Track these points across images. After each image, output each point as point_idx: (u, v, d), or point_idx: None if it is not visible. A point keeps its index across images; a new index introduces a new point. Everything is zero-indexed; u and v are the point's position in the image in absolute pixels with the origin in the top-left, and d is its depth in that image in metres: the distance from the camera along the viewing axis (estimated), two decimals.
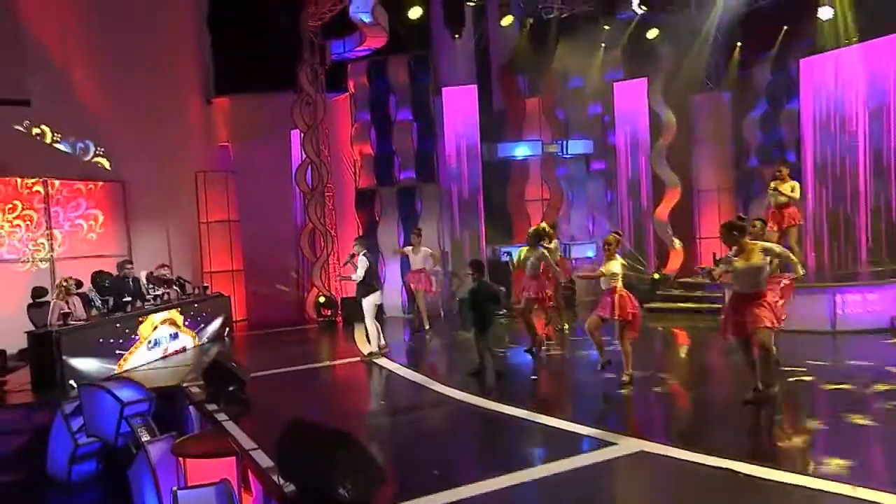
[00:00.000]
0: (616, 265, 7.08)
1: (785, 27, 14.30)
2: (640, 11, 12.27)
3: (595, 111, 15.17)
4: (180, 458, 5.54)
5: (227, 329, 12.49)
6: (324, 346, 12.16)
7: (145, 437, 6.44)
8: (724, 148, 15.26)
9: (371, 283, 9.85)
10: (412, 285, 11.77)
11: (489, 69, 14.81)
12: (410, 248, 11.63)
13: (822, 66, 13.42)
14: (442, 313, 13.08)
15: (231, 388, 6.89)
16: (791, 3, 13.86)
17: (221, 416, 6.55)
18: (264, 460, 5.08)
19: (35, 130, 13.12)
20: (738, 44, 14.97)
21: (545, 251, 9.18)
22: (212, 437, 6.12)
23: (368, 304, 9.78)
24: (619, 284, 7.03)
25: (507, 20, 13.10)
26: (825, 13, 13.28)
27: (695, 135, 14.94)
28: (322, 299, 13.29)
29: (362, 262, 9.73)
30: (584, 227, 15.24)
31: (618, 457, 5.15)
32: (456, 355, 10.37)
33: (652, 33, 14.28)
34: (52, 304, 9.24)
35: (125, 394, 6.86)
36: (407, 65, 13.72)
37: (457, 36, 12.47)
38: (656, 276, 13.26)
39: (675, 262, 14.04)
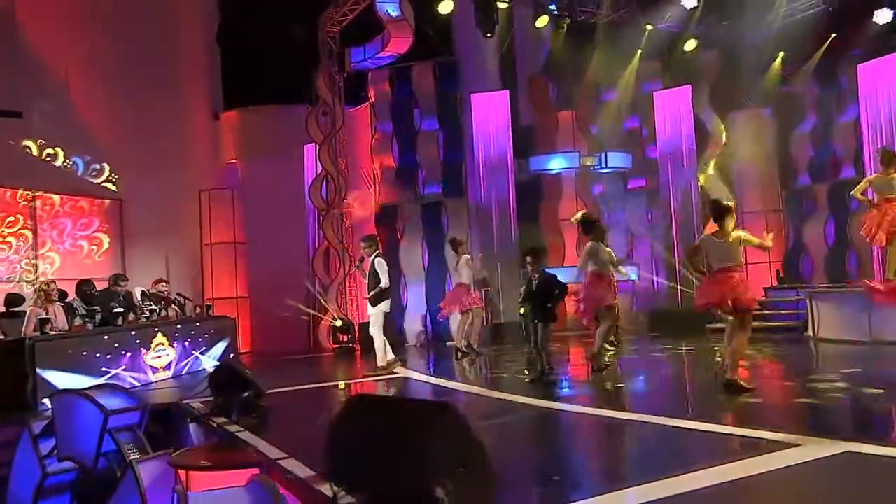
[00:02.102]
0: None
1: (833, 35, 13.47)
2: (688, 6, 11.29)
3: (632, 125, 14.08)
4: (181, 474, 4.06)
5: (231, 354, 10.97)
6: (345, 367, 10.67)
7: (134, 456, 4.96)
8: (770, 167, 14.22)
9: (387, 288, 8.59)
10: (453, 307, 10.05)
11: (515, 78, 13.79)
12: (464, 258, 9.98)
13: (884, 71, 12.49)
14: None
15: (245, 395, 5.42)
16: (839, 10, 13.05)
17: (235, 429, 5.09)
18: (301, 470, 3.63)
19: (48, 151, 12.14)
20: (780, 55, 14.09)
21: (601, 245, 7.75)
22: (221, 447, 4.65)
23: (378, 313, 8.48)
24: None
25: (542, 21, 12.12)
26: (883, 16, 12.46)
27: (736, 153, 13.91)
28: (338, 323, 11.82)
29: (382, 266, 8.44)
30: (622, 250, 13.91)
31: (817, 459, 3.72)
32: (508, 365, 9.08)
33: (690, 44, 13.44)
34: (28, 310, 7.84)
35: (110, 402, 5.37)
36: (432, 71, 12.70)
37: (489, 35, 11.43)
38: None
39: None
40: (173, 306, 10.20)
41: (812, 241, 13.91)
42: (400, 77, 12.85)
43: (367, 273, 8.55)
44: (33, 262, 11.60)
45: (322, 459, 3.20)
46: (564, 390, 7.30)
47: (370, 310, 8.58)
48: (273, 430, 4.92)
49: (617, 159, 13.37)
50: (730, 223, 5.85)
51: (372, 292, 8.46)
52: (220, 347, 10.51)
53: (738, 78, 13.93)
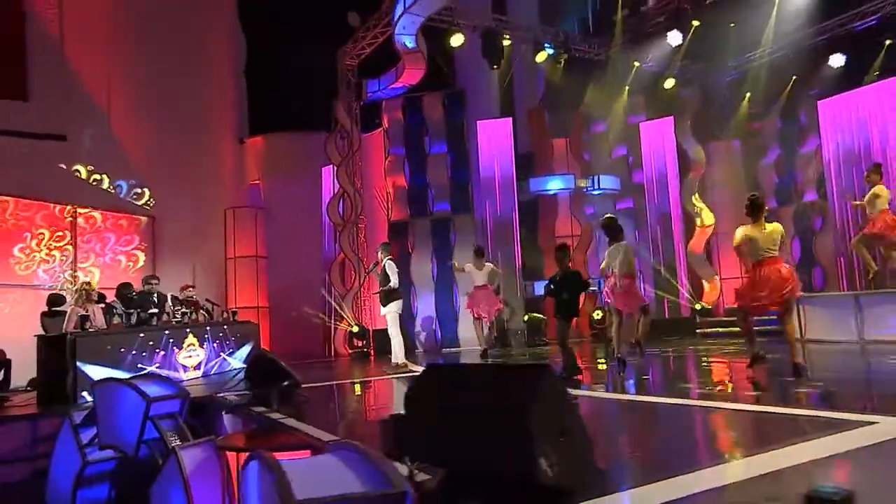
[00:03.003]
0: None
1: (794, 76, 13.47)
2: (673, 44, 11.14)
3: (620, 153, 13.86)
4: (228, 457, 3.56)
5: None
6: (363, 368, 10.10)
7: (176, 443, 4.44)
8: (740, 192, 14.04)
9: (396, 288, 8.31)
10: (475, 308, 9.54)
11: (514, 107, 13.56)
12: (471, 265, 9.70)
13: (842, 107, 12.47)
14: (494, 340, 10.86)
15: (286, 384, 4.94)
16: (798, 55, 13.07)
17: (277, 416, 4.59)
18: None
19: (94, 177, 11.74)
20: (748, 94, 14.06)
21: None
22: (265, 433, 4.15)
23: (392, 311, 8.17)
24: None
25: (541, 56, 11.91)
26: (836, 60, 12.55)
27: (711, 179, 13.74)
28: (355, 328, 11.30)
29: (392, 268, 8.20)
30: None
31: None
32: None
33: (669, 83, 13.33)
34: (69, 309, 7.30)
35: (152, 389, 4.84)
36: (441, 101, 12.42)
37: (495, 66, 11.18)
38: (698, 306, 11.55)
39: (711, 294, 12.36)
40: (202, 311, 9.66)
41: None
42: (411, 105, 12.55)
43: (380, 275, 8.38)
44: (74, 273, 11.10)
45: (391, 437, 2.74)
46: (627, 381, 6.41)
47: (383, 310, 8.30)
48: (317, 418, 4.43)
49: (608, 182, 13.12)
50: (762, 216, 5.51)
51: (381, 289, 8.19)
52: (245, 350, 9.95)
53: (711, 114, 13.88)
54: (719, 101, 14.11)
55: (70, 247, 11.16)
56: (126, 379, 4.95)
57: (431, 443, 2.32)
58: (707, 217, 12.70)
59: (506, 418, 2.07)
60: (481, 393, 2.19)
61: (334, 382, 7.77)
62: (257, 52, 14.01)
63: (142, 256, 12.21)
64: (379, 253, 8.63)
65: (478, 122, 12.33)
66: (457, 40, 10.70)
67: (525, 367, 2.49)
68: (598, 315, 12.50)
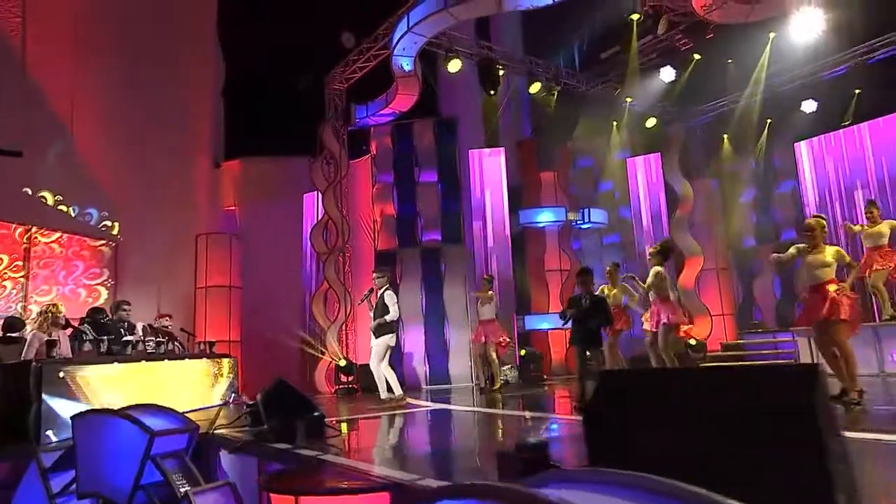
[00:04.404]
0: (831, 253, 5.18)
1: (769, 119, 13.80)
2: (666, 80, 11.16)
3: (606, 188, 13.74)
4: (281, 501, 2.80)
5: (233, 394, 9.37)
6: (349, 405, 9.21)
7: (186, 488, 3.62)
8: (719, 231, 14.11)
9: (395, 320, 7.66)
10: (482, 339, 8.93)
11: (498, 139, 13.29)
12: (477, 296, 9.07)
13: (818, 148, 12.82)
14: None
15: (315, 415, 4.16)
16: (773, 100, 13.41)
17: (311, 453, 3.80)
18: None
19: (61, 208, 10.67)
20: (725, 135, 14.31)
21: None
22: (317, 471, 3.37)
23: (382, 344, 7.46)
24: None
25: (534, 87, 11.74)
26: (809, 106, 12.91)
27: (692, 217, 13.76)
28: (342, 363, 10.41)
29: (391, 298, 7.53)
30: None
31: None
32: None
33: (651, 122, 13.41)
34: (30, 335, 6.27)
35: (154, 422, 3.98)
36: (432, 128, 12.01)
37: (492, 93, 10.88)
38: (692, 342, 11.24)
39: (702, 329, 12.11)
40: (176, 342, 8.67)
41: (761, 295, 13.74)
42: (401, 132, 12.08)
43: (375, 305, 7.63)
44: (27, 305, 9.90)
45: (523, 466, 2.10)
46: None
47: (373, 341, 7.51)
48: (366, 453, 3.68)
49: (597, 215, 12.90)
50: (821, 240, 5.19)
51: (376, 321, 7.45)
52: (224, 384, 8.95)
53: (691, 153, 14.01)
54: (699, 141, 14.30)
55: (23, 279, 9.99)
56: (119, 409, 4.08)
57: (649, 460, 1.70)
58: (696, 251, 12.61)
59: (787, 442, 1.49)
60: (736, 404, 1.61)
61: (346, 417, 6.90)
62: (237, 73, 13.36)
63: (104, 292, 11.09)
64: (376, 280, 7.91)
65: (469, 151, 11.96)
66: (454, 66, 10.38)
67: (792, 367, 1.95)
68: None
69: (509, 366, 10.28)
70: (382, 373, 7.56)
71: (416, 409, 7.17)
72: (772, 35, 10.17)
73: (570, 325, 6.38)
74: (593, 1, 9.19)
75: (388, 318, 7.51)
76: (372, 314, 7.72)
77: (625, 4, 9.47)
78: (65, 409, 5.49)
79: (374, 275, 8.03)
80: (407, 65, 10.20)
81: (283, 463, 3.90)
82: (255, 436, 4.61)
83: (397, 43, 9.82)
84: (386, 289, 7.74)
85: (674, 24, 9.17)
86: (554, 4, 8.15)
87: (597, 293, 6.60)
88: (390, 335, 7.60)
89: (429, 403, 7.80)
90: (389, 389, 7.48)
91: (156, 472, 3.84)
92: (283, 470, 3.59)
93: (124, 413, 3.96)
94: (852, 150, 12.39)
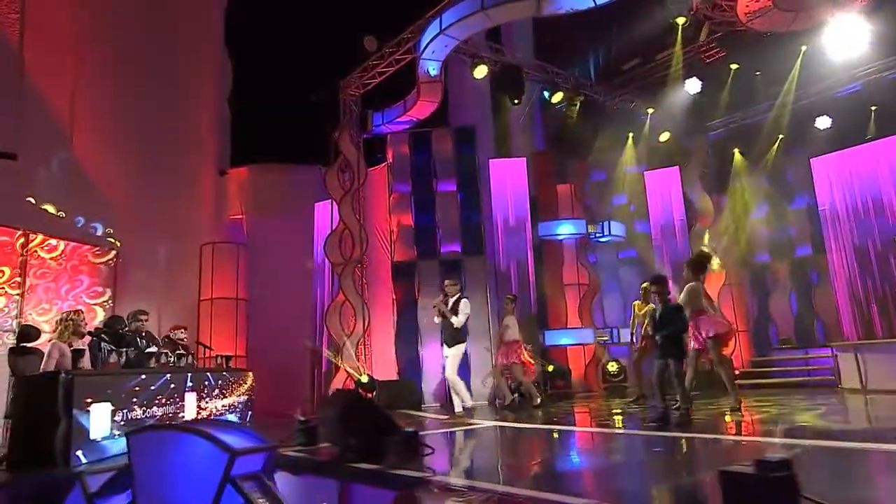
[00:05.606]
0: None
1: (780, 136, 13.78)
2: (692, 92, 11.02)
3: (620, 201, 13.52)
4: None
5: (250, 412, 8.74)
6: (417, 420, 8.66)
7: None
8: (732, 247, 13.98)
9: (459, 327, 7.44)
10: (508, 359, 8.41)
11: (510, 148, 13.00)
12: (512, 319, 8.58)
13: (834, 164, 12.79)
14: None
15: (410, 431, 3.69)
16: (787, 116, 13.42)
17: (416, 474, 3.32)
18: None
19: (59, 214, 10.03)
20: (735, 150, 14.27)
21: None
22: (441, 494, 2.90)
23: (456, 354, 7.30)
24: None
25: (557, 96, 11.49)
26: (823, 122, 12.91)
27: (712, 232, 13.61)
28: (364, 378, 9.84)
29: (466, 305, 7.28)
30: (619, 311, 12.97)
31: None
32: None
33: (665, 136, 13.28)
34: (50, 345, 5.65)
35: (231, 439, 3.45)
36: (451, 136, 11.67)
37: (516, 102, 10.60)
38: None
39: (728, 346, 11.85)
40: (191, 355, 8.06)
41: (777, 312, 13.58)
42: (418, 140, 11.71)
43: (449, 312, 7.48)
44: (22, 322, 9.15)
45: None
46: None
47: (446, 351, 7.18)
48: (495, 474, 3.21)
49: (617, 228, 12.66)
50: None
51: (448, 332, 7.16)
52: (242, 399, 8.33)
53: (709, 166, 13.93)
54: (716, 154, 14.22)
55: (18, 297, 9.25)
56: (185, 425, 3.55)
57: None
58: (717, 265, 12.40)
59: None
60: None
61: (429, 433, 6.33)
62: (244, 78, 12.85)
63: (100, 312, 10.37)
64: (448, 287, 7.74)
65: (490, 160, 11.64)
66: (480, 72, 10.08)
67: None
68: (612, 367, 11.70)
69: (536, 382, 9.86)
70: (460, 385, 7.40)
71: (484, 426, 6.63)
72: (803, 48, 10.12)
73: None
74: (624, 8, 9.02)
75: (454, 322, 7.37)
76: (441, 323, 7.56)
77: (657, 14, 9.31)
78: (97, 425, 4.89)
79: (447, 282, 7.92)
80: (434, 69, 9.88)
81: (380, 486, 3.41)
82: (328, 456, 4.11)
83: (426, 46, 9.49)
84: (460, 297, 7.64)
85: (711, 32, 9.05)
86: (596, 7, 7.92)
87: (671, 301, 6.24)
88: (462, 345, 7.51)
89: (486, 421, 7.21)
90: (450, 400, 7.19)
91: (235, 496, 3.32)
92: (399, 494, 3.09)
93: (196, 429, 3.43)
94: (868, 166, 12.38)
